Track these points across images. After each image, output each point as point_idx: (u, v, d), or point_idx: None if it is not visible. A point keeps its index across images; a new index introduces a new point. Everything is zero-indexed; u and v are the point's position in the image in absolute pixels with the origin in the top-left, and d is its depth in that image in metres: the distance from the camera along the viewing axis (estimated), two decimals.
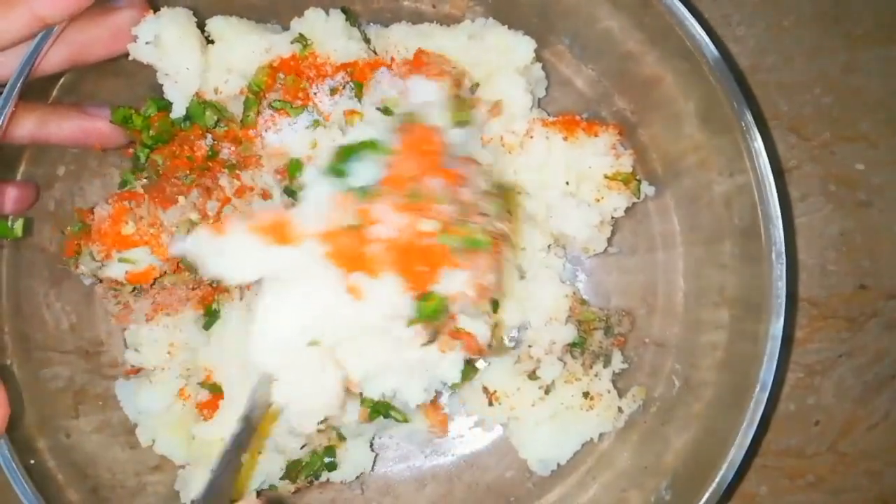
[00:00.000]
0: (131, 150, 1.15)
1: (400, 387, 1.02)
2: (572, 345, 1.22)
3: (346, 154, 0.99)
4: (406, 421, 1.17)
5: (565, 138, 1.20)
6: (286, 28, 1.17)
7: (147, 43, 1.06)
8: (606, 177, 1.20)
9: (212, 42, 1.13)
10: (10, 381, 0.86)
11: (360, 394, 1.03)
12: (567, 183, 1.19)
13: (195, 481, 1.12)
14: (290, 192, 1.10)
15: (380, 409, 1.13)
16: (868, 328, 1.35)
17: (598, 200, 1.20)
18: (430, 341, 0.98)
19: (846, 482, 1.34)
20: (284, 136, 1.11)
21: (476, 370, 1.19)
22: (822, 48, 1.37)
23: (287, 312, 0.94)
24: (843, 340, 1.35)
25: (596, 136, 1.21)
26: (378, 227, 0.93)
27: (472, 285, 0.96)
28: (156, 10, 1.06)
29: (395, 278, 0.93)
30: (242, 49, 1.13)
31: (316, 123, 1.11)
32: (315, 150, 1.10)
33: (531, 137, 1.20)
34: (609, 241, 1.25)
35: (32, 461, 0.98)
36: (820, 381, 1.35)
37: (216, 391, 1.11)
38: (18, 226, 1.06)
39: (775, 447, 1.33)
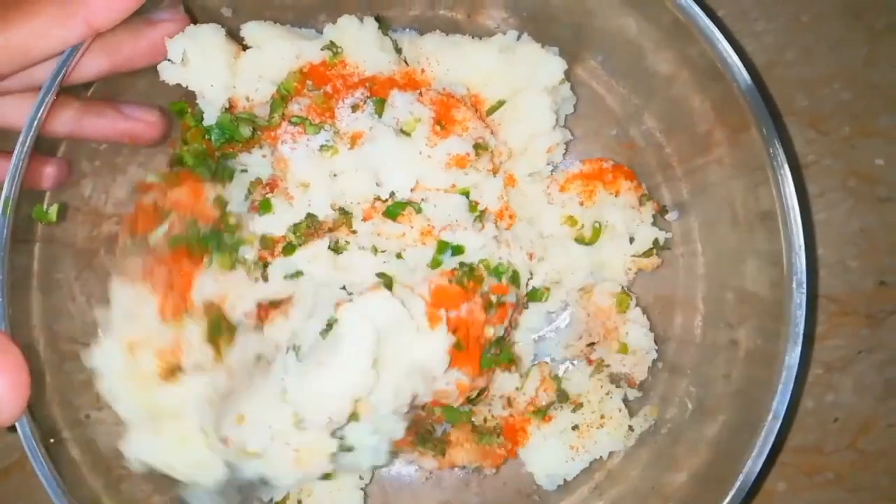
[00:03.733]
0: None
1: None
2: (597, 363, 1.24)
3: None
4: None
5: (581, 203, 1.21)
6: (321, 32, 1.17)
7: (173, 64, 1.08)
8: (634, 256, 1.22)
9: (248, 47, 1.14)
10: (35, 365, 0.87)
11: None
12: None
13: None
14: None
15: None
16: (888, 325, 1.34)
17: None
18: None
19: (865, 480, 1.34)
20: (298, 154, 1.10)
21: None
22: (843, 43, 1.36)
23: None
24: (862, 337, 1.35)
25: (617, 195, 1.22)
26: None
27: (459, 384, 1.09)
28: (195, 21, 1.08)
29: None
30: (274, 56, 1.14)
31: (326, 149, 1.10)
32: (308, 192, 1.10)
33: (550, 203, 1.22)
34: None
35: (52, 440, 1.00)
36: (839, 378, 1.34)
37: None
38: (53, 211, 1.08)
39: (794, 444, 1.33)
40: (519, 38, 1.20)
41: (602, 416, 1.20)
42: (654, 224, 1.23)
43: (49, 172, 1.10)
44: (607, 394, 1.21)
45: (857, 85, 1.36)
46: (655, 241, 1.22)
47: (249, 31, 1.14)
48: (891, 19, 1.35)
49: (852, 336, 1.34)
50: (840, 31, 1.36)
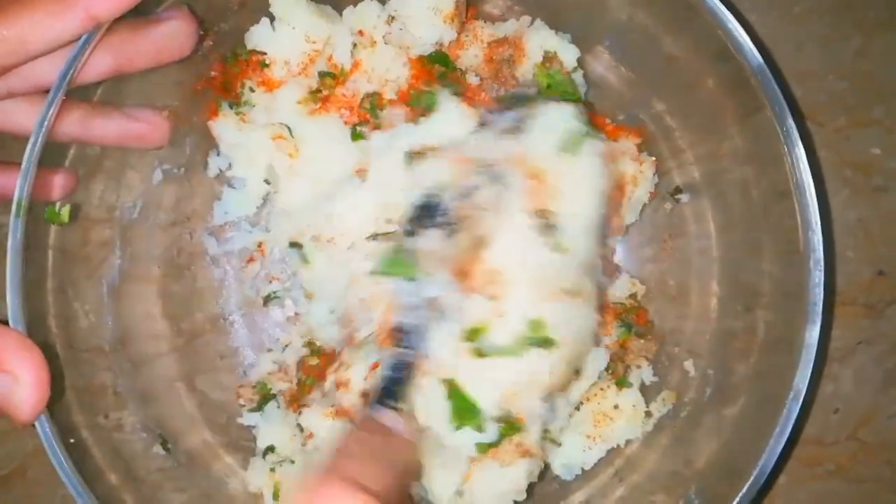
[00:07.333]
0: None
1: None
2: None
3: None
4: None
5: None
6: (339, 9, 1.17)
7: None
8: None
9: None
10: (54, 365, 0.87)
11: None
12: None
13: None
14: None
15: None
16: (887, 315, 1.34)
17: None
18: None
19: (866, 471, 1.33)
20: None
21: None
22: (835, 34, 1.36)
23: None
24: (862, 328, 1.34)
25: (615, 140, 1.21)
26: None
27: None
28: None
29: None
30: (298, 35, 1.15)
31: None
32: None
33: None
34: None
35: (72, 440, 0.99)
36: (839, 369, 1.34)
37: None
38: (65, 212, 1.07)
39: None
40: (532, 23, 1.19)
41: (619, 403, 1.19)
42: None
43: (57, 182, 1.08)
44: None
45: (850, 76, 1.36)
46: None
47: (279, 4, 1.14)
48: (882, 10, 1.36)
49: (851, 327, 1.34)
50: (832, 23, 1.37)
